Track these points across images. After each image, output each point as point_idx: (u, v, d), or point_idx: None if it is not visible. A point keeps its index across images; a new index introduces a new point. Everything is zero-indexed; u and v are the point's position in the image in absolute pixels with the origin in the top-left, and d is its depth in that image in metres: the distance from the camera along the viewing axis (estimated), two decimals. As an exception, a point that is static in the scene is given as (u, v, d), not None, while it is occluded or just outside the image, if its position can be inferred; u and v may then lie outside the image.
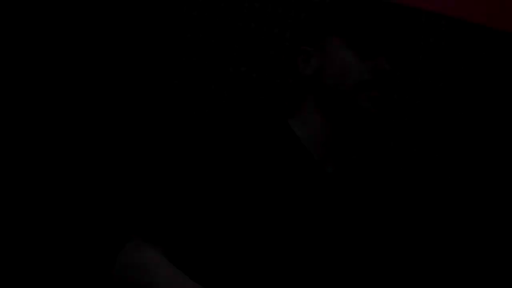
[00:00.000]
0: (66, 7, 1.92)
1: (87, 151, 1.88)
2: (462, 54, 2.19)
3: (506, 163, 2.07)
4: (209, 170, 0.87)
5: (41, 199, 1.82)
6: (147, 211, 0.87)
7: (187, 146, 0.92)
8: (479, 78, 2.17)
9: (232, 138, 0.89)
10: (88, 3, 1.95)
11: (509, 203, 2.01)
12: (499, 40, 2.23)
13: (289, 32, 2.13)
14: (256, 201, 0.85)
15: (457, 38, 2.22)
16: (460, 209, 1.99)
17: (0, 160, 1.77)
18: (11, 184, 1.80)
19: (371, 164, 2.00)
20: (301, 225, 0.86)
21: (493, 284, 1.90)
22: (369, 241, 0.95)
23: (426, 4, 2.25)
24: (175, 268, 0.80)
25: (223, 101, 2.01)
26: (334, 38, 0.98)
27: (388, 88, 0.92)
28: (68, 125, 1.88)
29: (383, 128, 2.07)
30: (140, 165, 1.88)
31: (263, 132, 0.94)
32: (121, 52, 2.00)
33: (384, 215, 1.04)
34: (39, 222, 1.79)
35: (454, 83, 2.16)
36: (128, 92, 1.97)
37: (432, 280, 1.89)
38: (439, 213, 1.98)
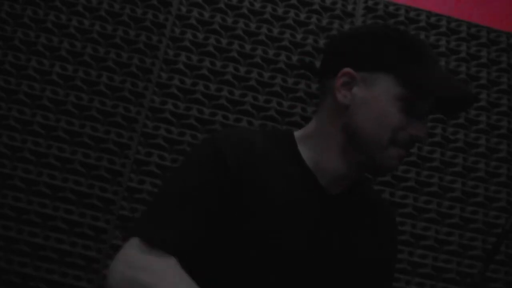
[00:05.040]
0: None
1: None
2: (462, 53, 2.18)
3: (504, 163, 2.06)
4: (212, 185, 0.85)
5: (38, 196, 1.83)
6: (152, 215, 0.84)
7: (193, 158, 0.89)
8: (479, 77, 2.16)
9: (237, 154, 0.87)
10: None
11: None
12: (499, 40, 2.23)
13: (289, 33, 2.13)
14: (258, 220, 0.85)
15: (457, 38, 2.21)
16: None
17: None
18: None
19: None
20: (300, 243, 0.86)
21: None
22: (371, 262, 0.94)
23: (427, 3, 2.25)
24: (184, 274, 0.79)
25: (223, 101, 2.01)
26: (389, 76, 0.85)
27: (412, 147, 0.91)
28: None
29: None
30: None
31: (268, 147, 0.91)
32: (119, 52, 2.01)
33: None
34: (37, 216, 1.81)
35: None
36: (129, 93, 1.98)
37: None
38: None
